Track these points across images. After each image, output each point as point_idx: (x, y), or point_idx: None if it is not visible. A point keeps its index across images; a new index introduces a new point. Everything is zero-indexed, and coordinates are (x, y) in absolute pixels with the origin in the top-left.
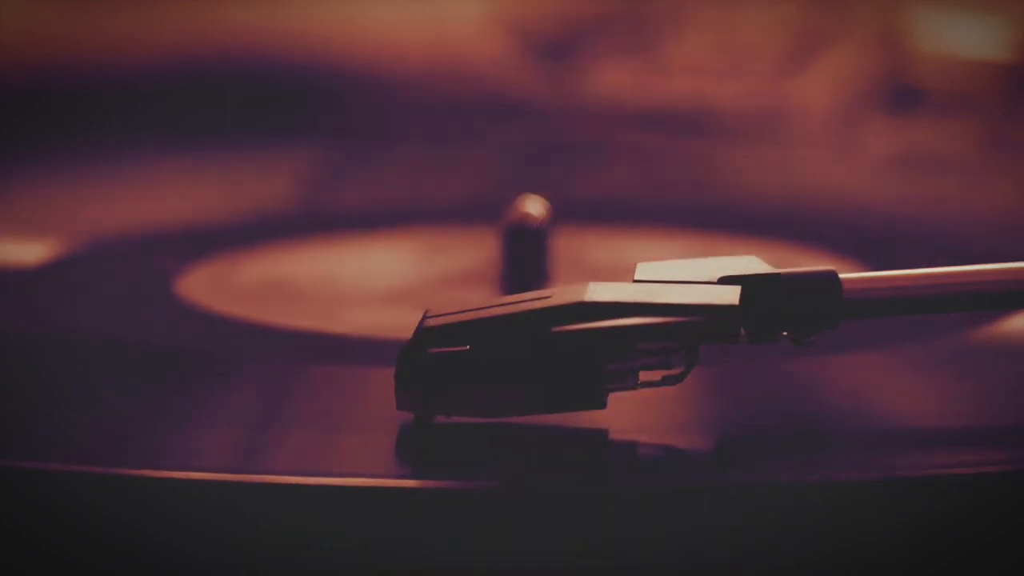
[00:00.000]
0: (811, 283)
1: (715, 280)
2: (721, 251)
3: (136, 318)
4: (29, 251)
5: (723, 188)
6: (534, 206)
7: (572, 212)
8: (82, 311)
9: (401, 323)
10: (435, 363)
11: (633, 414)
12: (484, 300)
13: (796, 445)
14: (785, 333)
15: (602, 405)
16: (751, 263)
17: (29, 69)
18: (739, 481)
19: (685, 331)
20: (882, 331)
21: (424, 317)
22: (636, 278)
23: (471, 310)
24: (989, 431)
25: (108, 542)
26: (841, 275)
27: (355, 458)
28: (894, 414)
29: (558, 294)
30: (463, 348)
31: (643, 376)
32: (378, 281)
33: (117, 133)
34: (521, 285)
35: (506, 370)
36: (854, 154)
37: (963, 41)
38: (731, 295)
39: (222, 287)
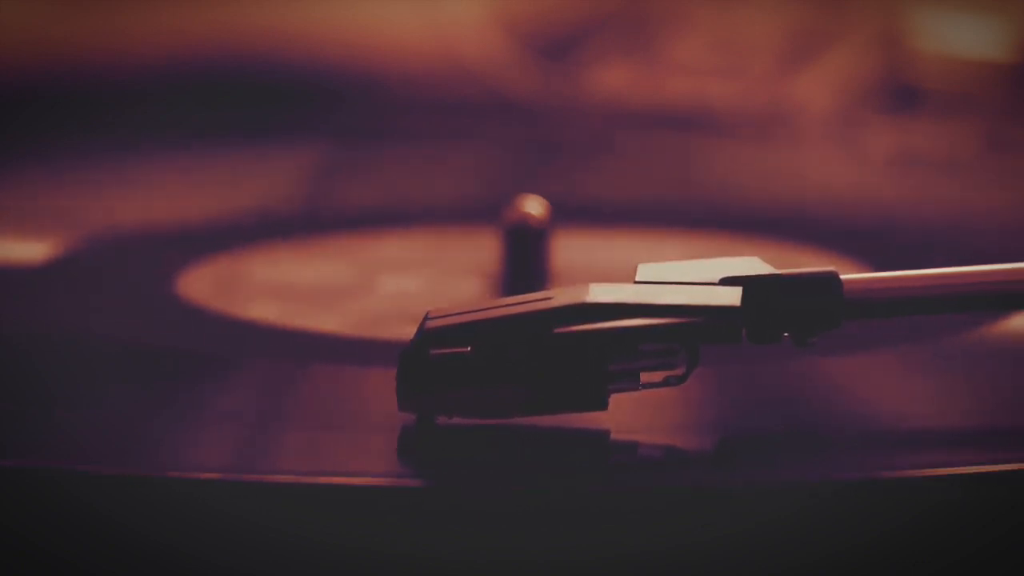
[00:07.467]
0: (812, 284)
1: (716, 281)
2: (721, 251)
3: (136, 318)
4: (29, 251)
5: (723, 188)
6: (534, 206)
7: (572, 212)
8: (82, 311)
9: (402, 323)
10: (437, 364)
11: (634, 415)
12: (485, 301)
13: (796, 445)
14: (786, 334)
15: (603, 406)
16: (752, 264)
17: (29, 69)
18: (740, 481)
19: (687, 332)
20: (882, 332)
21: (425, 318)
22: (637, 279)
23: (472, 311)
24: (988, 431)
25: (108, 542)
26: (842, 276)
27: (356, 458)
28: (894, 414)
29: (559, 295)
30: (464, 349)
31: (644, 377)
32: (378, 281)
33: (117, 133)
34: (522, 285)
35: (507, 371)
36: (854, 154)
37: (963, 41)
38: (732, 296)
39: (222, 287)
